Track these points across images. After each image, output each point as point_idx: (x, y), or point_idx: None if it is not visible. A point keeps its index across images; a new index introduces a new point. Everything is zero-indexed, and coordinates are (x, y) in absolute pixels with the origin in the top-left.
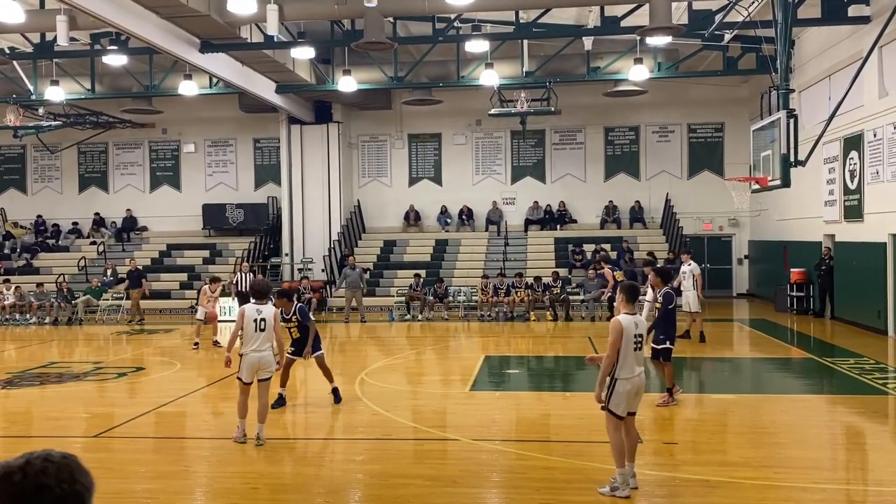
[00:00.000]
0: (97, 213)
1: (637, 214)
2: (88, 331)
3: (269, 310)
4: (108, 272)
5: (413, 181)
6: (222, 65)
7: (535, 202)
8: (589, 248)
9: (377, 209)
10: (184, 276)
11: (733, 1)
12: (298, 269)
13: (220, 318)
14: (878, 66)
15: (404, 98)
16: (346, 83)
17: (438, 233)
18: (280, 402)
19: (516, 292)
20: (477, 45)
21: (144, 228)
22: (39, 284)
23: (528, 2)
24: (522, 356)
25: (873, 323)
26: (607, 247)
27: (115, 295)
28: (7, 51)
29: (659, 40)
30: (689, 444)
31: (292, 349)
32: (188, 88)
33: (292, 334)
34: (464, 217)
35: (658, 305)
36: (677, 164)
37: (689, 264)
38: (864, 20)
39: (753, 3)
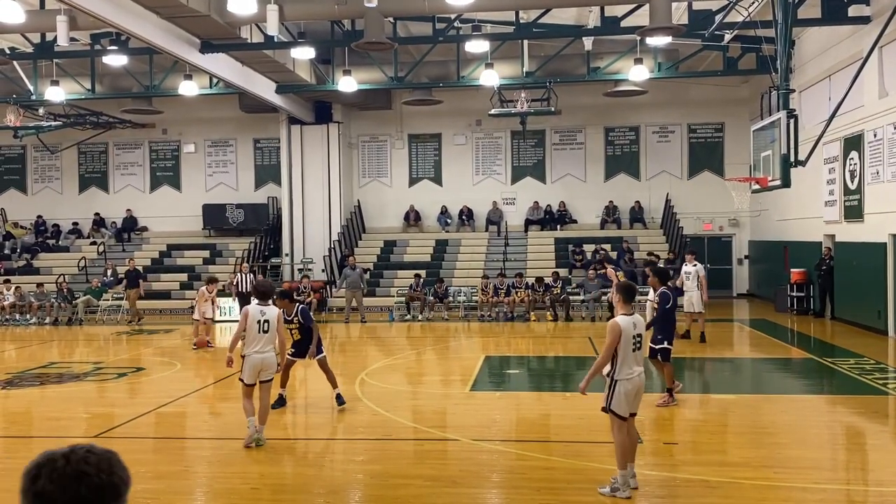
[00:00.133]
0: (97, 214)
1: (637, 215)
2: (88, 331)
3: (272, 311)
4: (109, 272)
5: (413, 181)
6: (222, 65)
7: (536, 202)
8: (589, 249)
9: (377, 209)
10: (184, 277)
11: (733, 1)
12: (298, 270)
13: (219, 318)
14: (879, 67)
15: (404, 98)
16: (347, 83)
17: (438, 233)
18: (280, 402)
19: (516, 292)
20: (477, 46)
21: (144, 229)
22: (39, 285)
23: (528, 2)
24: (522, 356)
25: (873, 323)
26: (607, 247)
27: (115, 295)
28: (7, 51)
29: (659, 40)
30: (689, 445)
31: (293, 350)
32: (188, 88)
33: (293, 336)
34: (464, 217)
35: (656, 305)
36: (677, 164)
37: (695, 265)
38: (864, 20)
39: (753, 3)
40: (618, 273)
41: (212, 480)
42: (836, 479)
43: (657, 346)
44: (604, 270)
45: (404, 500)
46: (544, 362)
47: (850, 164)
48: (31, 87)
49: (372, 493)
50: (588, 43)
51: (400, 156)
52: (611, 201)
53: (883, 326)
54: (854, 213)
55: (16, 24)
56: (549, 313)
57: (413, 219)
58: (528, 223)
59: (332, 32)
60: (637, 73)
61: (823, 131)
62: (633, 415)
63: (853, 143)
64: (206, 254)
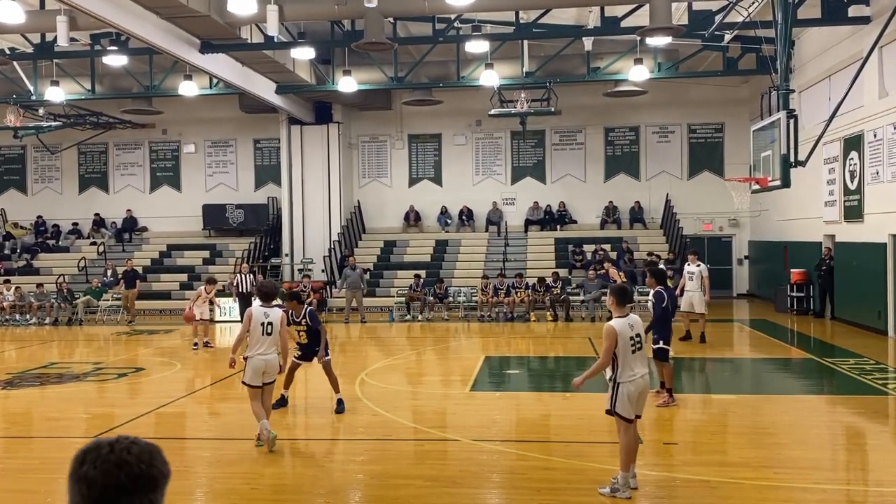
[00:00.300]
0: (97, 214)
1: (637, 215)
2: (88, 331)
3: (276, 313)
4: (109, 273)
5: (413, 181)
6: (222, 65)
7: (535, 202)
8: (589, 249)
9: (377, 209)
10: (184, 277)
11: (733, 1)
12: (299, 270)
13: (219, 318)
14: (878, 67)
15: (404, 98)
16: (347, 83)
17: (438, 233)
18: (282, 402)
19: (516, 293)
20: (477, 46)
21: (144, 229)
22: (39, 285)
23: (528, 2)
24: (522, 357)
25: (873, 323)
26: (607, 247)
27: (115, 295)
28: (7, 51)
29: (659, 41)
30: (690, 445)
31: (299, 353)
32: (188, 89)
33: (300, 338)
34: (464, 217)
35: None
36: (677, 164)
37: (698, 265)
38: (864, 20)
39: (753, 3)
40: (620, 273)
41: (212, 480)
42: (836, 479)
43: (653, 347)
44: (604, 270)
45: (404, 500)
46: (544, 363)
47: (850, 165)
48: (31, 88)
49: (372, 494)
50: (588, 43)
51: (400, 156)
52: (611, 201)
53: (883, 326)
54: (854, 213)
55: (16, 25)
56: (548, 313)
57: (413, 219)
58: (528, 223)
59: (332, 32)
60: (637, 73)
61: (823, 131)
62: (637, 417)
63: (853, 143)
64: (206, 254)
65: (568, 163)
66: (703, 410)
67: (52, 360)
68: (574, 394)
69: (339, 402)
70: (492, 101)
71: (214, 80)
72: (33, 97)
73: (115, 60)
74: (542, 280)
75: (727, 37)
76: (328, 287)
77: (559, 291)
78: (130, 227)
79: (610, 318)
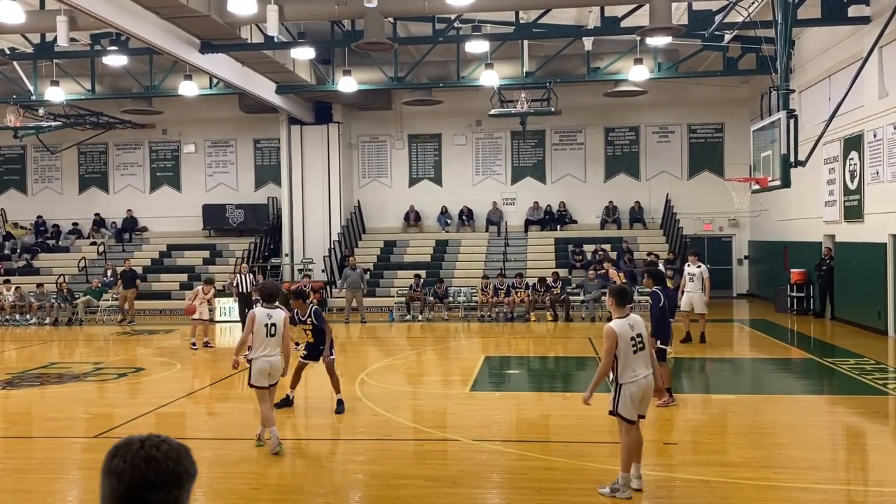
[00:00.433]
0: (97, 214)
1: (637, 215)
2: (88, 331)
3: (279, 314)
4: (109, 273)
5: (413, 181)
6: (222, 65)
7: (536, 202)
8: (589, 249)
9: (377, 209)
10: (184, 277)
11: (733, 1)
12: (298, 270)
13: (219, 318)
14: (878, 67)
15: (404, 98)
16: (347, 83)
17: (438, 233)
18: (286, 402)
19: (516, 293)
20: (477, 46)
21: (144, 229)
22: (40, 285)
23: (528, 2)
24: (522, 357)
25: (873, 323)
26: (607, 247)
27: (115, 295)
28: (7, 51)
29: (659, 41)
30: (690, 445)
31: (305, 353)
32: (188, 89)
33: (307, 337)
34: (464, 217)
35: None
36: (677, 164)
37: (698, 266)
38: (864, 20)
39: (753, 3)
40: (620, 273)
41: (212, 481)
42: (836, 479)
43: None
44: (604, 270)
45: (404, 500)
46: (544, 363)
47: (850, 165)
48: (31, 88)
49: (372, 494)
50: (588, 43)
51: (400, 156)
52: (611, 201)
53: (883, 326)
54: (854, 213)
55: (16, 25)
56: (548, 313)
57: (413, 219)
58: (528, 223)
59: (332, 33)
60: (637, 73)
61: (823, 131)
62: (641, 417)
63: (853, 143)
64: (206, 254)
65: (568, 163)
66: (703, 410)
67: (52, 360)
68: (574, 394)
69: (340, 402)
70: (492, 101)
71: (214, 80)
72: (33, 97)
73: (115, 60)
74: (542, 280)
75: (727, 37)
76: (328, 287)
77: (559, 291)
78: (130, 227)
79: (610, 319)
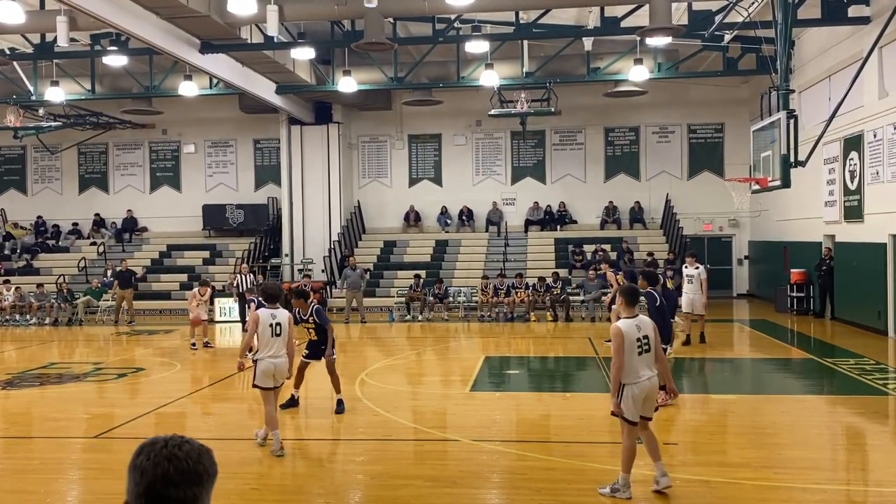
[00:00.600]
0: (97, 214)
1: (637, 215)
2: (88, 331)
3: (282, 314)
4: (109, 273)
5: (413, 182)
6: (222, 65)
7: (536, 203)
8: (589, 249)
9: (377, 210)
10: (184, 277)
11: (733, 1)
12: (299, 270)
13: (219, 318)
14: (878, 67)
15: (404, 98)
16: (347, 84)
17: (438, 233)
18: (292, 403)
19: (516, 293)
20: (477, 46)
21: (144, 229)
22: (39, 285)
23: (528, 2)
24: (522, 357)
25: (873, 323)
26: (607, 247)
27: (115, 296)
28: (7, 51)
29: (659, 41)
30: (690, 445)
31: (307, 352)
32: (188, 89)
33: (310, 335)
34: (464, 218)
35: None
36: (677, 164)
37: (697, 267)
38: (864, 20)
39: (753, 3)
40: (617, 276)
41: None
42: (836, 479)
43: None
44: (603, 271)
45: (404, 500)
46: (544, 363)
47: (850, 165)
48: (31, 88)
49: (372, 494)
50: (588, 43)
51: (400, 156)
52: (611, 202)
53: (883, 327)
54: (854, 213)
55: (16, 25)
56: (548, 314)
57: (413, 219)
58: (528, 223)
59: (332, 33)
60: (637, 73)
61: (823, 131)
62: (647, 419)
63: (853, 143)
64: (206, 254)
65: (568, 163)
66: (703, 410)
67: (52, 360)
68: (574, 394)
69: (340, 402)
70: (492, 101)
71: (214, 81)
72: (33, 97)
73: (115, 60)
74: (542, 280)
75: (727, 37)
76: (328, 287)
77: (559, 291)
78: (130, 228)
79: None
